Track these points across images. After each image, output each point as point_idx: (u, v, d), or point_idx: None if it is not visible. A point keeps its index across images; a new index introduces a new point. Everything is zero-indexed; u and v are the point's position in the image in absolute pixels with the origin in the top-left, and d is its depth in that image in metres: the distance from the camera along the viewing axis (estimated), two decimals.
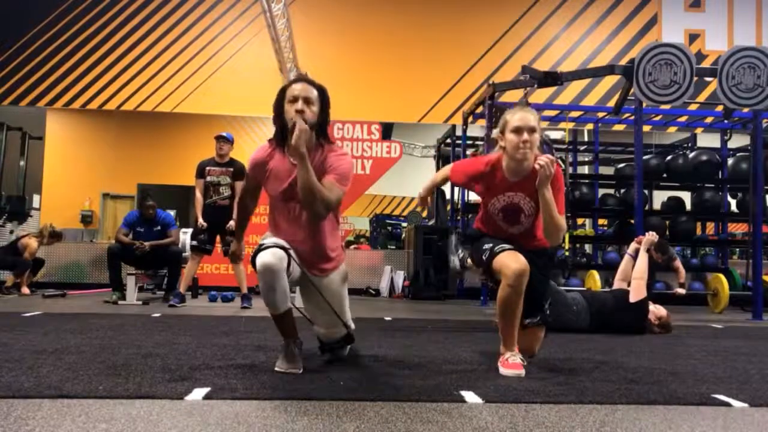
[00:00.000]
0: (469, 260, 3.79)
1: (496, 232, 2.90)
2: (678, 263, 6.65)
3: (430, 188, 3.14)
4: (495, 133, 2.85)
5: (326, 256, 2.72)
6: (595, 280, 7.39)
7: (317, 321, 2.82)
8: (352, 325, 2.86)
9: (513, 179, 2.78)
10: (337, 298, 2.76)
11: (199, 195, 6.19)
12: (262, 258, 2.46)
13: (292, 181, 2.59)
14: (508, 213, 2.83)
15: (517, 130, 2.68)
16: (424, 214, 10.59)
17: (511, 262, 2.65)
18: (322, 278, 2.72)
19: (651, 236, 4.76)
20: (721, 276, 7.12)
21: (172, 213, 8.36)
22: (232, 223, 6.05)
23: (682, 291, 6.56)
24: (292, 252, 2.57)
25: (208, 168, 6.19)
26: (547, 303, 2.95)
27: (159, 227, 6.58)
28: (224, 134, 6.26)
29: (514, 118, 2.71)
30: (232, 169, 6.17)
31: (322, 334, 2.86)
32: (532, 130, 2.67)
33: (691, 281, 7.72)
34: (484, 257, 2.79)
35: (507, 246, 2.75)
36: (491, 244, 2.79)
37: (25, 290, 7.38)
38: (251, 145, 12.11)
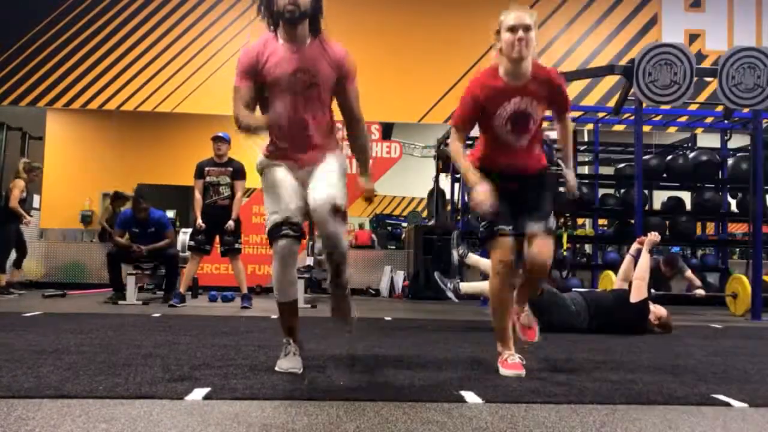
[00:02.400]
0: (468, 257, 3.81)
1: (500, 152, 2.76)
2: (689, 274, 6.70)
3: (470, 169, 2.72)
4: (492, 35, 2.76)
5: (322, 140, 2.63)
6: (611, 280, 7.30)
7: (314, 191, 2.52)
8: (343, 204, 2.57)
9: (515, 83, 2.68)
10: (333, 174, 2.57)
11: (198, 195, 6.18)
12: (281, 242, 2.47)
13: (295, 69, 2.51)
14: (518, 120, 2.70)
15: (512, 29, 2.61)
16: (425, 214, 10.57)
17: (499, 250, 2.67)
18: (318, 165, 2.60)
19: (653, 236, 4.75)
20: (743, 277, 6.70)
21: (171, 213, 8.37)
22: (231, 223, 6.06)
23: (702, 292, 6.60)
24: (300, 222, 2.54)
25: (207, 168, 6.19)
26: (551, 217, 2.79)
27: (153, 228, 6.49)
28: (221, 134, 6.25)
29: (509, 17, 2.64)
30: (231, 169, 6.17)
31: (319, 206, 2.46)
32: (527, 29, 2.60)
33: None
34: (480, 234, 2.80)
35: (503, 227, 2.68)
36: (491, 220, 2.70)
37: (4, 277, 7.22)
38: (252, 145, 12.09)
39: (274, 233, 2.50)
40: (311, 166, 2.60)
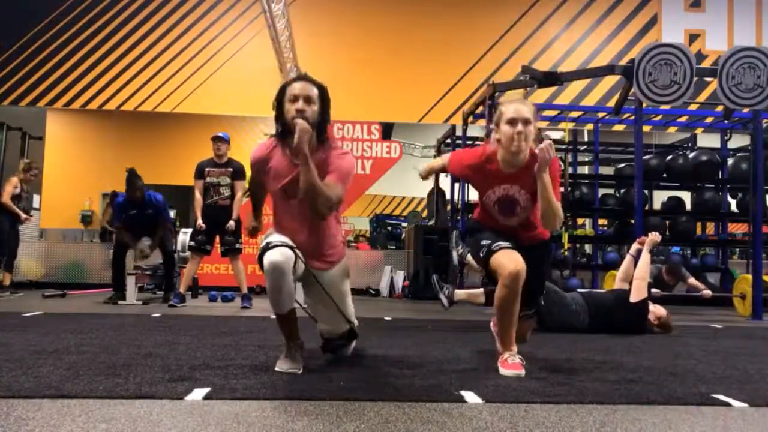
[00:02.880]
0: (468, 257, 3.80)
1: (494, 223, 2.91)
2: (692, 280, 6.72)
3: (427, 172, 3.29)
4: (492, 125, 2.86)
5: (328, 251, 2.73)
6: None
7: (320, 317, 2.82)
8: (355, 321, 2.86)
9: (508, 171, 2.77)
10: (339, 291, 2.76)
11: (198, 196, 6.17)
12: (270, 257, 2.46)
13: (293, 179, 2.59)
14: (504, 205, 2.84)
15: (512, 122, 2.67)
16: (424, 214, 10.57)
17: (507, 262, 2.65)
18: (323, 272, 2.72)
19: (654, 236, 4.75)
20: (751, 278, 6.49)
21: (171, 213, 8.35)
22: (231, 223, 6.05)
23: (708, 293, 6.60)
24: (297, 250, 2.57)
25: (207, 169, 6.18)
26: (541, 296, 3.01)
27: (151, 210, 6.26)
28: (220, 134, 6.25)
29: (509, 109, 2.70)
30: (231, 170, 6.17)
31: (325, 330, 2.85)
32: (526, 122, 2.66)
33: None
34: (481, 254, 2.79)
35: (504, 244, 2.75)
36: (489, 241, 2.79)
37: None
38: (251, 144, 12.09)
39: (262, 251, 2.53)
40: (314, 270, 2.68)
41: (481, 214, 3.00)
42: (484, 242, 2.80)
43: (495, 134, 2.77)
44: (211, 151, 6.24)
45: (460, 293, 4.85)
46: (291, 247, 2.53)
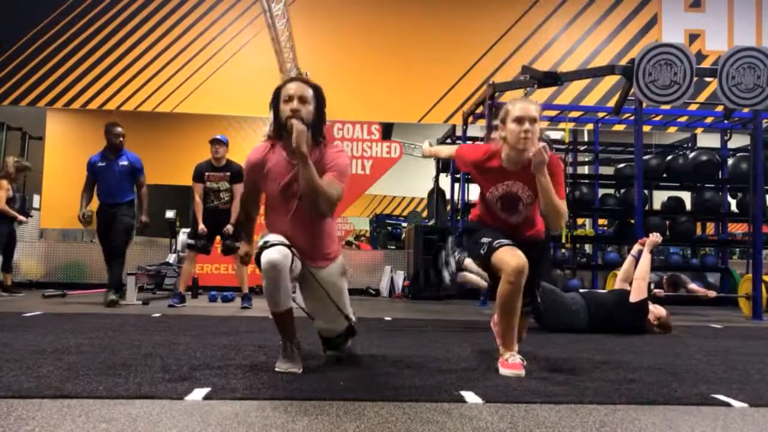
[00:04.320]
0: (466, 262, 3.79)
1: (494, 221, 2.91)
2: (693, 286, 6.73)
3: (431, 154, 3.34)
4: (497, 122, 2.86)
5: (325, 249, 2.73)
6: None
7: (318, 315, 2.81)
8: (353, 317, 2.85)
9: (511, 168, 2.79)
10: (336, 288, 2.75)
11: (198, 199, 6.13)
12: (268, 255, 2.46)
13: (291, 178, 2.60)
14: (507, 202, 2.84)
15: (519, 120, 2.68)
16: (425, 214, 10.57)
17: (510, 258, 2.65)
18: (320, 270, 2.71)
19: (654, 237, 4.75)
20: None
21: (171, 213, 8.35)
22: (229, 226, 6.01)
23: (712, 293, 6.61)
24: (294, 250, 2.57)
25: (207, 174, 6.15)
26: (539, 291, 3.02)
27: (126, 162, 5.94)
28: (219, 137, 6.21)
29: (515, 107, 2.72)
30: (229, 174, 6.15)
31: (324, 329, 2.85)
32: (533, 120, 2.68)
33: (691, 280, 7.70)
34: (482, 251, 2.78)
35: (505, 241, 2.75)
36: (490, 239, 2.78)
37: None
38: (251, 144, 12.04)
39: (261, 247, 2.52)
40: (311, 268, 2.67)
41: (481, 212, 2.99)
42: (485, 240, 2.80)
43: (500, 132, 2.77)
44: (208, 154, 6.22)
45: (463, 275, 4.73)
46: (288, 246, 2.54)
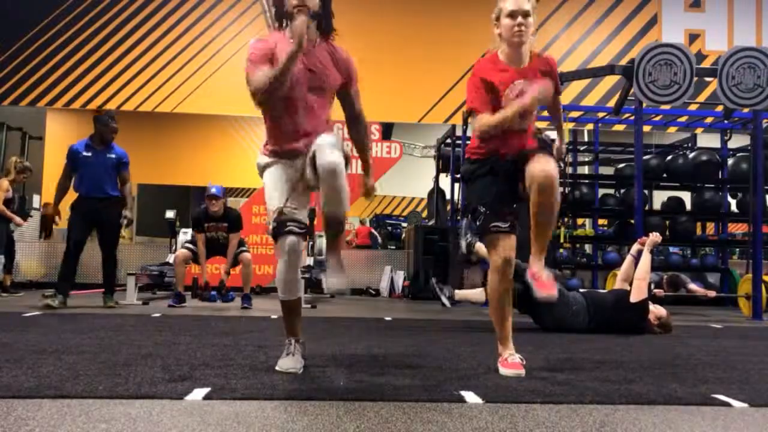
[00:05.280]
0: (477, 245, 3.80)
1: (504, 136, 2.74)
2: (692, 286, 6.74)
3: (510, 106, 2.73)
4: (491, 19, 2.80)
5: (326, 130, 2.63)
6: None
7: (324, 195, 2.54)
8: (347, 207, 2.60)
9: (516, 67, 2.76)
10: (335, 158, 2.50)
11: (201, 246, 6.15)
12: (289, 240, 2.47)
13: (304, 69, 2.56)
14: None
15: (512, 14, 2.67)
16: (424, 214, 10.56)
17: (499, 248, 2.67)
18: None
19: (654, 237, 4.75)
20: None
21: (171, 213, 8.35)
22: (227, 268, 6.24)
23: (712, 293, 6.61)
24: (305, 223, 2.57)
25: (207, 225, 6.16)
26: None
27: (114, 156, 5.70)
28: (214, 191, 6.11)
29: (507, 2, 2.70)
30: (226, 224, 6.18)
31: (329, 213, 2.53)
32: (526, 14, 2.67)
33: (691, 281, 7.71)
34: (477, 221, 2.76)
35: (502, 225, 2.69)
36: (485, 210, 2.71)
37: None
38: (251, 144, 12.11)
39: (279, 230, 2.50)
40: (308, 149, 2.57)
41: (482, 141, 2.80)
42: (481, 209, 2.74)
43: (495, 29, 2.76)
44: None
45: (460, 293, 4.88)
46: (303, 225, 2.53)
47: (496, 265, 2.68)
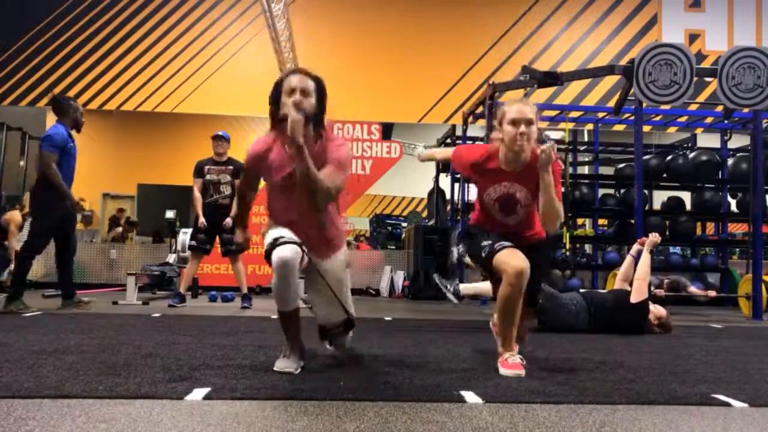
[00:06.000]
0: (466, 257, 3.83)
1: (493, 224, 2.91)
2: (692, 289, 6.74)
3: (427, 158, 3.45)
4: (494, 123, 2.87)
5: (328, 241, 2.72)
6: None
7: (317, 305, 2.79)
8: (353, 311, 2.83)
9: (509, 170, 2.79)
10: (338, 280, 2.74)
11: (197, 194, 6.10)
12: (280, 252, 2.46)
13: (293, 170, 2.59)
14: (504, 203, 2.85)
15: (514, 122, 2.70)
16: (424, 214, 10.57)
17: (511, 260, 2.66)
18: (323, 261, 2.71)
19: (654, 237, 4.76)
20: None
21: (171, 213, 8.34)
22: (228, 220, 5.98)
23: (713, 293, 6.61)
24: (303, 246, 2.56)
25: (207, 167, 6.17)
26: (539, 294, 3.03)
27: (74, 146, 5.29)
28: (221, 133, 6.23)
29: (511, 109, 2.73)
30: (231, 168, 6.15)
31: (322, 318, 2.81)
32: (529, 123, 2.69)
33: (691, 281, 7.72)
34: (483, 254, 2.79)
35: (506, 243, 2.75)
36: (490, 242, 2.79)
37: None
38: (251, 144, 12.09)
39: (272, 246, 2.51)
40: (314, 258, 2.66)
41: (479, 216, 2.99)
42: (485, 243, 2.80)
43: (497, 133, 2.79)
44: (208, 154, 6.23)
45: (466, 287, 4.86)
46: (299, 244, 2.53)
47: (510, 278, 2.63)
